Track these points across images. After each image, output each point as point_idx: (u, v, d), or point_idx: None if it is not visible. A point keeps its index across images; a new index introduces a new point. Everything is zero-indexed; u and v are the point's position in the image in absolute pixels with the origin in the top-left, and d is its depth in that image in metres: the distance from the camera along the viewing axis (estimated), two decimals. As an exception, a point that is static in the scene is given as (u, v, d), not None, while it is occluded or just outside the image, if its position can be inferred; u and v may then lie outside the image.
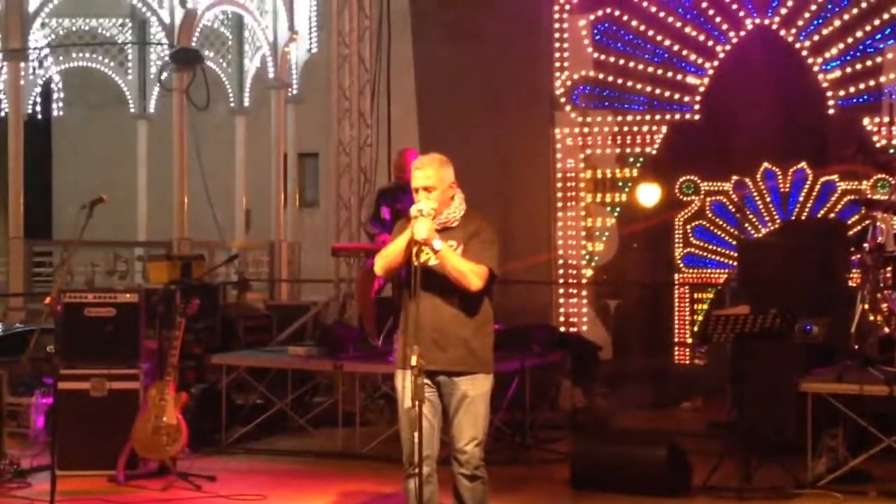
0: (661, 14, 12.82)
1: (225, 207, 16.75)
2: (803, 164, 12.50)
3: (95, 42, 17.60)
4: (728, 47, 12.68)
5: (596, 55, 12.96)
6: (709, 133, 12.72)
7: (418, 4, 13.85)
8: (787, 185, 12.58)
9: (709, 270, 12.89)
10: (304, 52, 16.89)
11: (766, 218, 12.62)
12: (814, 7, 12.32)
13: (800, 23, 12.39)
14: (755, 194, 12.66)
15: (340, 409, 10.32)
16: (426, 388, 5.73)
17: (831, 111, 12.26)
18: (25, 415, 10.13)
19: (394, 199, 10.45)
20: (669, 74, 12.81)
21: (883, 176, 11.59)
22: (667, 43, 12.82)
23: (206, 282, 12.50)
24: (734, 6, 12.62)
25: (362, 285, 10.97)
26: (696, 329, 12.46)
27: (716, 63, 12.71)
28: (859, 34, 12.17)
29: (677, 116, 12.83)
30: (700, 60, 12.74)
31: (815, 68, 12.33)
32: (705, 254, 12.91)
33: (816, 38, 12.34)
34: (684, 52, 12.78)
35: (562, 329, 12.44)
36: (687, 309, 12.84)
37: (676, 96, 12.79)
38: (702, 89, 12.74)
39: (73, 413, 8.76)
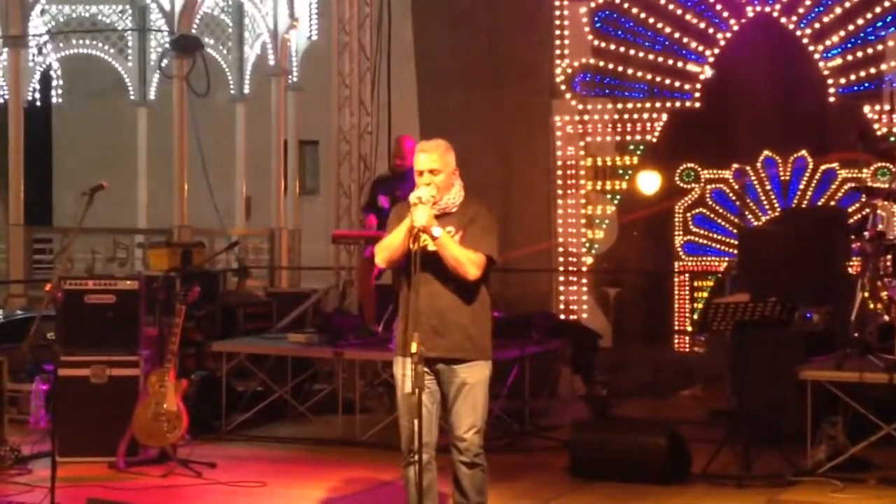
0: (662, 1, 12.79)
1: (225, 195, 16.74)
2: (804, 152, 12.50)
3: (95, 29, 17.57)
4: (729, 35, 12.66)
5: (596, 43, 12.94)
6: (709, 121, 12.71)
7: (418, -8, 13.85)
8: (788, 173, 12.58)
9: (709, 258, 12.90)
10: (305, 39, 16.87)
11: (767, 206, 12.62)
12: (815, -6, 12.32)
13: (800, 10, 12.37)
14: (755, 182, 12.66)
15: (340, 396, 10.34)
16: (425, 375, 5.73)
17: (832, 99, 12.25)
18: (26, 401, 10.15)
19: (391, 188, 10.46)
20: (670, 62, 12.79)
21: (883, 164, 11.59)
22: (667, 30, 12.80)
23: (207, 269, 12.51)
24: (735, -7, 12.61)
25: (362, 273, 10.98)
26: (695, 317, 12.47)
27: (716, 51, 12.69)
28: (860, 22, 12.16)
29: (678, 104, 12.81)
30: (701, 48, 12.72)
31: (816, 56, 12.32)
32: (705, 242, 12.91)
33: (817, 25, 12.32)
34: (685, 40, 12.76)
35: (562, 317, 12.45)
36: (687, 297, 12.85)
37: (677, 84, 12.78)
38: (702, 77, 12.73)
39: (73, 400, 8.79)
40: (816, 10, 12.32)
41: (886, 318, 8.85)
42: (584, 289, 12.89)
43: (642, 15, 12.82)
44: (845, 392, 8.09)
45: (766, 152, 12.59)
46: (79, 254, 14.57)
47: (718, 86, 12.72)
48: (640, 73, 12.88)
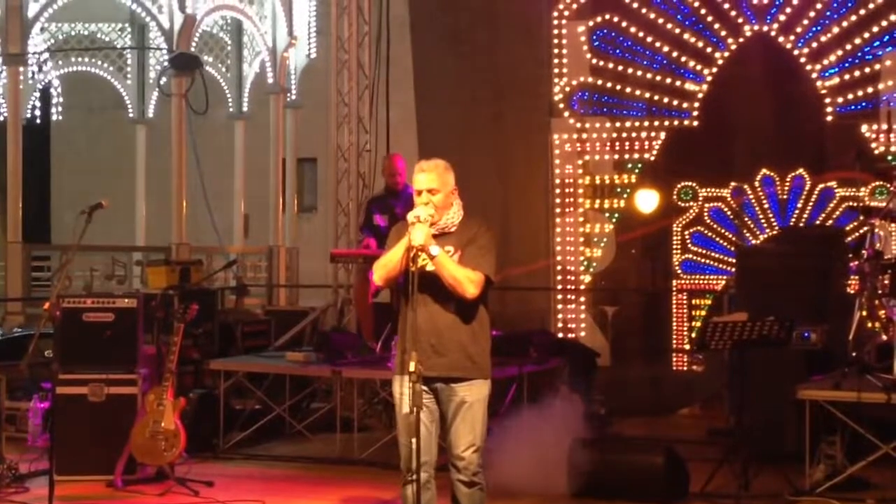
0: (660, 20, 12.83)
1: (223, 212, 16.73)
2: (801, 171, 12.51)
3: (95, 47, 17.60)
4: (727, 54, 12.70)
5: (594, 61, 12.97)
6: (707, 139, 12.72)
7: (417, 10, 13.87)
8: (786, 192, 12.59)
9: (707, 277, 12.89)
10: (303, 57, 16.88)
11: (765, 224, 12.63)
12: (812, 14, 12.35)
13: (798, 30, 12.41)
14: (753, 201, 12.67)
15: (338, 414, 10.33)
16: (424, 394, 5.73)
17: (829, 118, 12.28)
18: (24, 419, 10.14)
19: (386, 206, 10.50)
20: (668, 81, 12.82)
21: (881, 183, 11.61)
22: (665, 49, 12.83)
23: (205, 287, 12.52)
24: (733, 13, 12.65)
25: (360, 291, 10.99)
26: (694, 336, 12.45)
27: (714, 69, 12.73)
28: (857, 41, 12.20)
29: (676, 123, 12.84)
30: (699, 67, 12.76)
31: (814, 75, 12.36)
32: (703, 260, 12.91)
33: (815, 44, 12.36)
34: (683, 59, 12.79)
35: (560, 335, 12.44)
36: (685, 315, 12.83)
37: (675, 102, 12.81)
38: (700, 96, 12.75)
39: (71, 418, 8.79)
40: (814, 29, 12.37)
41: (884, 337, 8.87)
42: (582, 307, 12.90)
43: (640, 34, 12.86)
44: (843, 411, 8.10)
45: (763, 171, 12.60)
46: (77, 271, 14.55)
47: (716, 104, 12.75)
48: (638, 92, 12.91)
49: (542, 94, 13.07)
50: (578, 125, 12.98)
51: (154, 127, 18.00)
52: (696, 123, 12.76)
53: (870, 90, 12.11)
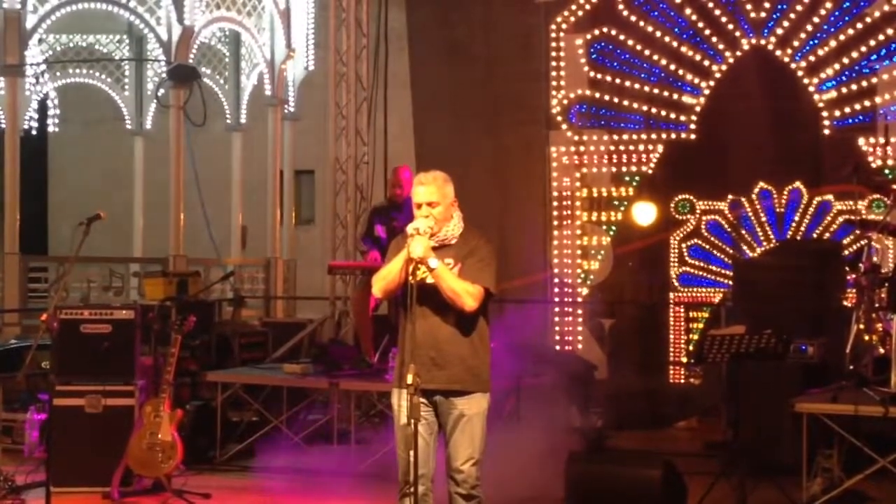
0: (658, 34, 12.87)
1: (221, 224, 16.73)
2: (799, 184, 12.53)
3: (92, 58, 17.59)
4: (724, 67, 12.74)
5: (592, 74, 13.01)
6: (705, 152, 12.75)
7: (415, 23, 13.91)
8: (783, 205, 12.61)
9: (704, 290, 12.91)
10: (301, 69, 16.89)
11: (762, 237, 12.65)
12: (809, 28, 12.39)
13: (795, 43, 12.45)
14: (751, 214, 12.69)
15: (335, 426, 10.32)
16: (423, 407, 5.72)
17: (826, 131, 12.32)
18: (20, 431, 10.13)
19: (388, 217, 10.49)
20: (665, 94, 12.85)
21: (878, 196, 11.63)
22: (663, 62, 12.87)
23: (202, 299, 12.51)
24: (730, 26, 12.69)
25: (358, 303, 10.99)
26: (691, 349, 12.46)
27: (712, 83, 12.77)
28: (854, 55, 12.25)
29: (673, 136, 12.87)
30: (696, 80, 12.79)
31: (811, 88, 12.40)
32: (701, 273, 12.93)
33: (812, 58, 12.41)
34: (680, 72, 12.82)
35: (557, 348, 12.43)
36: (682, 328, 12.85)
37: (672, 115, 12.84)
38: (698, 109, 12.79)
39: (68, 429, 8.78)
40: (811, 43, 12.41)
41: (881, 350, 8.87)
42: (580, 320, 12.91)
43: (638, 47, 12.90)
44: (840, 425, 8.09)
45: (761, 184, 12.63)
46: (74, 283, 14.54)
47: (714, 117, 12.78)
48: (635, 105, 12.95)
49: (539, 106, 13.10)
50: (576, 138, 13.01)
51: (152, 139, 17.98)
52: (693, 136, 12.79)
53: (867, 103, 12.16)
